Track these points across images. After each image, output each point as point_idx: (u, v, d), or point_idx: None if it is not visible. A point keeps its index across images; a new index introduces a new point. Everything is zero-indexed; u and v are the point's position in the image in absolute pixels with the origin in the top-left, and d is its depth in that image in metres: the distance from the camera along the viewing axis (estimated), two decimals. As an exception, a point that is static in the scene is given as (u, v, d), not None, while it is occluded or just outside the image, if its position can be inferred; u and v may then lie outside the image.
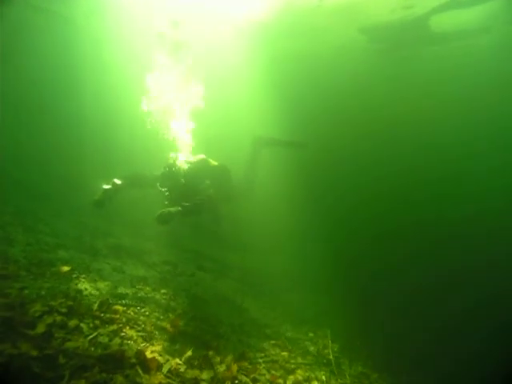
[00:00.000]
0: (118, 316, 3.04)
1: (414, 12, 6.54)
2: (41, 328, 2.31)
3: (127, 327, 2.95)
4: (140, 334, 2.96)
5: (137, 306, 3.46)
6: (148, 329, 3.10)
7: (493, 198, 10.35)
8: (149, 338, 2.94)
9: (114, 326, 2.86)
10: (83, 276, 3.63)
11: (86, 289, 3.36)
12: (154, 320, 3.33)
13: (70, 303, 2.84)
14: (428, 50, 8.58)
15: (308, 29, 7.95)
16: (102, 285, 3.65)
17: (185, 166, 5.21)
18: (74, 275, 3.55)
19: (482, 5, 6.29)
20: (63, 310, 2.70)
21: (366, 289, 8.08)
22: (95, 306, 3.01)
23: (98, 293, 3.41)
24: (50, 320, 2.50)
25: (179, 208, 4.31)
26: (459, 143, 11.11)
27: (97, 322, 2.81)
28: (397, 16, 6.81)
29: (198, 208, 4.60)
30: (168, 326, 3.29)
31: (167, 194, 5.10)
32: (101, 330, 2.70)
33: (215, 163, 6.01)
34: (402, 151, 11.64)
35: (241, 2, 6.93)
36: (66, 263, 3.74)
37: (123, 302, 3.43)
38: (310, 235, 10.66)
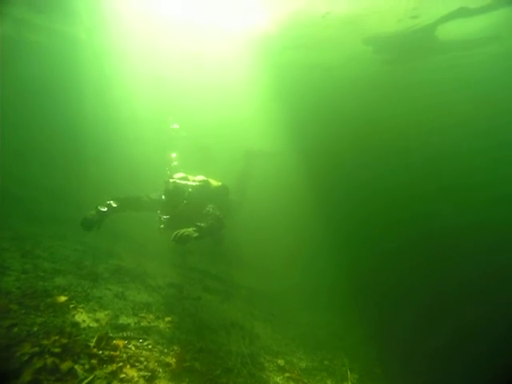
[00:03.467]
0: (117, 353, 2.75)
1: (420, 21, 6.44)
2: (27, 376, 2.04)
3: (128, 366, 2.66)
4: (142, 373, 2.66)
5: (139, 339, 3.17)
6: (151, 366, 2.80)
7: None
8: (151, 379, 2.64)
9: (113, 366, 2.57)
10: (81, 306, 3.37)
11: (83, 321, 3.09)
12: (157, 355, 3.03)
13: (65, 341, 2.57)
14: (435, 60, 8.45)
15: (313, 40, 7.89)
16: (101, 315, 3.38)
17: (187, 192, 4.99)
18: (72, 305, 3.29)
19: (491, 12, 6.15)
20: (56, 350, 2.43)
21: (381, 306, 7.73)
22: (93, 342, 2.73)
23: (96, 325, 3.13)
24: (39, 364, 2.23)
25: (195, 229, 4.05)
26: (469, 152, 10.85)
27: (94, 361, 2.53)
28: (403, 26, 6.72)
29: (212, 229, 4.35)
30: (173, 362, 3.00)
31: (167, 219, 4.88)
32: (98, 372, 2.42)
33: (215, 183, 5.80)
34: (410, 161, 11.39)
35: (245, 13, 6.91)
36: (63, 292, 3.49)
37: (124, 334, 3.15)
38: (320, 250, 10.33)
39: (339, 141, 11.47)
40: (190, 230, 3.99)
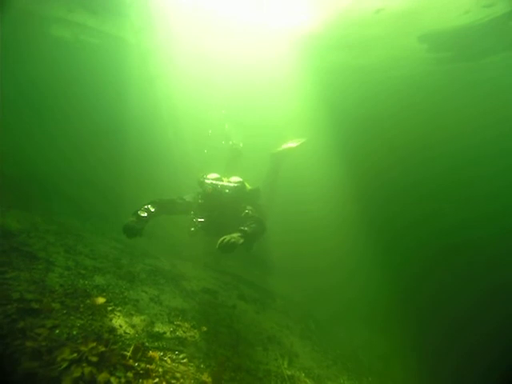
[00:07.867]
0: (153, 366, 2.58)
1: (495, 11, 5.67)
2: (65, 387, 1.91)
3: (164, 383, 2.47)
4: (178, 392, 2.46)
5: (175, 351, 2.99)
6: (187, 384, 2.60)
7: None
8: (188, 400, 2.43)
9: (149, 382, 2.39)
10: (119, 309, 3.27)
11: (120, 326, 2.98)
12: (193, 371, 2.82)
13: (102, 349, 2.43)
14: (506, 56, 7.50)
15: (364, 39, 7.39)
16: (137, 320, 3.26)
17: (225, 194, 4.78)
18: (109, 308, 3.20)
19: None
20: (93, 359, 2.29)
21: (426, 322, 7.17)
22: (129, 352, 2.58)
23: (133, 331, 3.00)
24: (77, 373, 2.10)
25: (240, 235, 3.80)
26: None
27: (130, 374, 2.37)
28: (471, 19, 5.99)
29: (256, 234, 4.09)
30: (209, 381, 2.77)
31: (201, 222, 4.71)
32: (133, 388, 2.25)
33: (249, 186, 5.58)
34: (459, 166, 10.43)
35: (292, 13, 6.65)
36: (101, 293, 3.43)
37: (160, 344, 2.98)
38: (360, 256, 9.75)
39: (384, 146, 10.76)
40: (235, 235, 3.74)
